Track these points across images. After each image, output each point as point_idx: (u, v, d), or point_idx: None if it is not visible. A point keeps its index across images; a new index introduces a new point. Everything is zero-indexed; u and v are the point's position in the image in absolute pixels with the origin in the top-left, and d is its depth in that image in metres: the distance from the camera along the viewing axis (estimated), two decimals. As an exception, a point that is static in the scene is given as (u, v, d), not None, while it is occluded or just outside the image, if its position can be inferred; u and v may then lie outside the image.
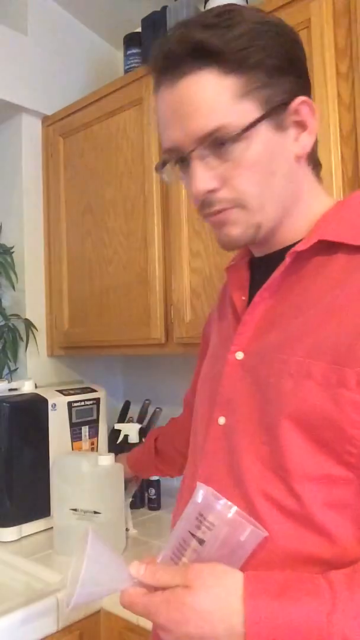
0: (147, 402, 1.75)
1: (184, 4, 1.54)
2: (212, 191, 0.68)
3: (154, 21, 1.63)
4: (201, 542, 0.61)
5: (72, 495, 1.32)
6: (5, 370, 1.83)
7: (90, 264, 1.69)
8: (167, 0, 1.65)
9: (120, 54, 1.98)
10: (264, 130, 0.67)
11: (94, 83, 1.91)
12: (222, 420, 0.73)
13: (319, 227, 0.71)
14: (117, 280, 1.60)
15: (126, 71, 1.71)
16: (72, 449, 1.58)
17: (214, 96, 0.65)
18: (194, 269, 1.40)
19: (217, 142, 0.66)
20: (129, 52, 1.72)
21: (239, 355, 0.73)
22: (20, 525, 1.44)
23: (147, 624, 1.11)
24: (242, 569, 0.62)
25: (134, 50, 1.71)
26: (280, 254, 0.73)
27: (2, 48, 1.72)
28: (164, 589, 0.60)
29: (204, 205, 0.70)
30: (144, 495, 1.68)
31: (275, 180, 0.69)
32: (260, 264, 0.79)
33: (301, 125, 0.70)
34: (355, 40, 1.09)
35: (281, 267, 0.71)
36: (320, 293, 0.67)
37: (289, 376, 0.65)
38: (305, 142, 0.71)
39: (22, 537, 1.44)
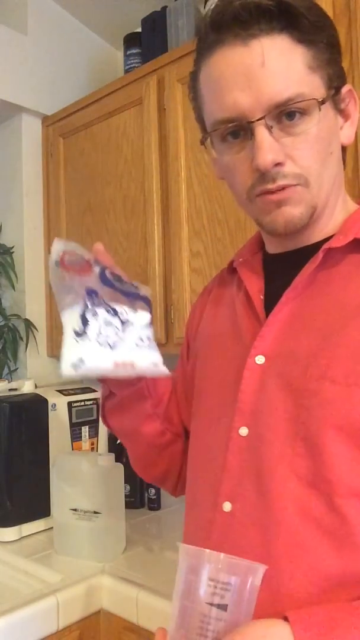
0: (147, 402, 1.74)
1: (184, 4, 1.54)
2: (278, 165, 0.63)
3: (154, 21, 1.63)
4: (223, 607, 0.55)
5: (72, 495, 1.32)
6: (5, 370, 1.83)
7: (90, 264, 1.68)
8: (167, 0, 1.65)
9: (120, 54, 1.97)
10: (328, 109, 0.65)
11: (94, 83, 1.91)
12: (244, 431, 0.67)
13: (352, 225, 0.67)
14: (117, 280, 1.59)
15: (126, 71, 1.71)
16: (72, 449, 1.58)
17: (290, 63, 0.61)
18: (194, 269, 1.40)
19: (287, 113, 0.62)
20: (129, 52, 1.72)
21: (260, 360, 0.68)
22: (20, 525, 1.44)
23: (147, 624, 1.11)
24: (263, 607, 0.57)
25: (134, 50, 1.71)
26: (303, 252, 0.69)
27: (2, 48, 1.72)
28: None
29: (265, 179, 0.64)
30: (144, 495, 1.68)
31: (332, 161, 0.67)
32: (278, 262, 0.75)
33: (345, 115, 0.68)
34: (355, 40, 1.09)
35: (312, 265, 0.67)
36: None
37: (332, 383, 0.60)
38: (348, 132, 0.69)
39: (22, 537, 1.44)
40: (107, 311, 0.70)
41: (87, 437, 1.64)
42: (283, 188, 0.64)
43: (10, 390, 1.55)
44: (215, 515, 0.68)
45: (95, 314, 0.69)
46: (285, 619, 0.55)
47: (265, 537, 0.62)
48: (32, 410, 1.51)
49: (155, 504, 1.66)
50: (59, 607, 1.12)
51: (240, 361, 0.70)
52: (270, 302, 0.71)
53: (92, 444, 1.66)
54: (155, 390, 0.82)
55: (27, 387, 1.58)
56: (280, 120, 0.62)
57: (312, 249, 0.69)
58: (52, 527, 1.40)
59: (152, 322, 0.74)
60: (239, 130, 0.64)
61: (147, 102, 1.50)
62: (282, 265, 0.73)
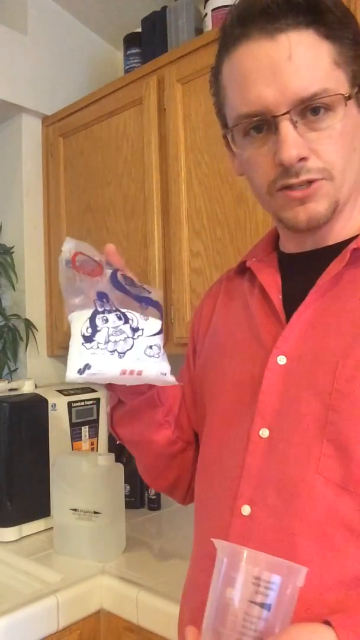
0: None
1: (184, 3, 1.54)
2: (303, 159, 0.62)
3: (154, 21, 1.63)
4: (266, 606, 0.53)
5: (72, 495, 1.32)
6: (5, 370, 1.83)
7: (90, 264, 1.68)
8: (167, 0, 1.65)
9: (120, 54, 1.97)
10: (352, 106, 0.64)
11: (94, 83, 1.91)
12: (265, 433, 0.66)
13: None
14: (117, 280, 1.60)
15: (126, 71, 1.71)
16: (72, 449, 1.58)
17: (316, 58, 0.61)
18: (194, 269, 1.40)
19: (312, 108, 0.61)
20: (129, 52, 1.72)
21: (282, 360, 0.67)
22: (20, 525, 1.44)
23: (147, 624, 1.11)
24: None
25: (134, 50, 1.71)
26: (322, 252, 0.69)
27: (2, 48, 1.72)
28: None
29: (289, 174, 0.63)
30: (144, 495, 1.68)
31: (355, 157, 0.66)
32: (295, 261, 0.74)
33: None
34: (355, 40, 1.09)
35: (339, 264, 0.66)
36: None
37: None
38: None
39: (22, 537, 1.44)
40: (118, 317, 0.68)
41: (87, 437, 1.64)
42: (307, 182, 0.63)
43: (10, 390, 1.55)
44: (233, 519, 0.66)
45: (105, 320, 0.67)
46: (327, 622, 0.54)
47: (291, 541, 0.61)
48: (32, 410, 1.51)
49: (155, 504, 1.66)
50: (59, 607, 1.12)
51: (259, 361, 0.69)
52: (289, 301, 0.70)
53: (92, 444, 1.66)
54: (166, 397, 0.81)
55: (27, 387, 1.58)
56: (304, 116, 0.62)
57: (332, 250, 0.68)
58: (52, 527, 1.40)
59: (163, 330, 0.72)
60: (263, 124, 0.64)
61: (147, 102, 1.50)
62: (300, 265, 0.72)
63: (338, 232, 0.69)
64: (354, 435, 0.59)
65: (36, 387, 1.63)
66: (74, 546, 1.31)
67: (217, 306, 0.84)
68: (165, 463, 0.86)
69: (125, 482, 1.40)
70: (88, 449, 1.64)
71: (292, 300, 0.69)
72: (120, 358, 0.67)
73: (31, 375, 1.79)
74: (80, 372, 0.65)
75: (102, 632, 1.21)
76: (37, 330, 1.82)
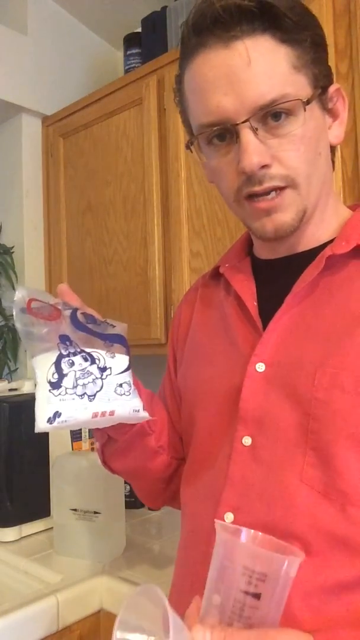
0: (147, 402, 1.74)
1: (184, 3, 1.54)
2: (265, 167, 0.62)
3: (154, 21, 1.63)
4: (257, 596, 0.54)
5: (72, 495, 1.32)
6: (5, 370, 1.83)
7: (90, 264, 1.69)
8: (167, 0, 1.65)
9: (120, 54, 1.98)
10: (315, 108, 0.64)
11: (94, 83, 1.91)
12: (247, 441, 0.66)
13: (353, 231, 0.67)
14: (117, 280, 1.60)
15: (126, 71, 1.71)
16: (72, 449, 1.58)
17: (274, 63, 0.60)
18: (194, 269, 1.40)
19: (273, 114, 0.61)
20: (129, 52, 1.72)
21: (260, 367, 0.66)
22: (20, 525, 1.44)
23: (147, 624, 1.11)
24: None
25: (134, 50, 1.71)
26: (297, 258, 0.69)
27: (2, 48, 1.72)
28: None
29: (252, 182, 0.63)
30: (144, 495, 1.68)
31: (321, 161, 0.65)
32: (270, 267, 0.73)
33: (334, 114, 0.67)
34: (355, 40, 1.09)
35: (314, 271, 0.65)
36: None
37: (342, 392, 0.59)
38: (337, 132, 0.68)
39: (22, 537, 1.44)
40: (84, 359, 0.66)
41: (87, 437, 1.64)
42: (270, 192, 0.63)
43: (10, 390, 1.55)
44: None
45: (71, 363, 0.65)
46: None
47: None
48: (32, 410, 1.50)
49: (155, 504, 1.66)
50: (59, 607, 1.12)
51: (237, 369, 0.69)
52: (264, 308, 0.70)
53: (92, 444, 1.66)
54: (155, 422, 0.80)
55: (27, 387, 1.58)
56: (265, 122, 0.62)
57: (306, 255, 0.68)
58: (52, 527, 1.40)
59: (131, 366, 0.71)
60: (225, 132, 0.63)
61: (147, 102, 1.50)
62: (274, 271, 0.72)
63: (310, 238, 0.69)
64: (334, 445, 0.59)
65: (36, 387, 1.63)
66: (74, 546, 1.31)
67: (194, 314, 0.84)
68: (163, 485, 0.86)
69: (125, 482, 1.40)
70: (88, 449, 1.64)
71: (268, 307, 0.69)
72: (91, 401, 0.65)
73: (31, 376, 1.79)
74: (50, 421, 0.63)
75: (102, 632, 1.21)
76: (37, 330, 1.82)
